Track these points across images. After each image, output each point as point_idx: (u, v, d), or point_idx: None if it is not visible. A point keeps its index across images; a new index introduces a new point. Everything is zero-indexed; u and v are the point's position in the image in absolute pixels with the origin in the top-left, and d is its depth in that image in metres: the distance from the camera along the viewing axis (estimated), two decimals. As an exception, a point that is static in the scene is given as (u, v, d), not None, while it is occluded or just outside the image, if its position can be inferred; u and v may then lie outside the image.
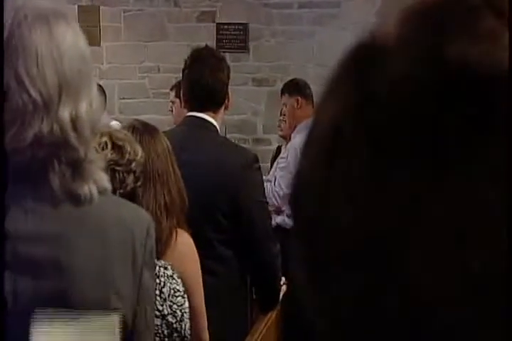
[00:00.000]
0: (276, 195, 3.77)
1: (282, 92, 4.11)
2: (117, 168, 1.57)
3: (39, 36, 1.01)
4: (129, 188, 1.59)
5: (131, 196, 1.61)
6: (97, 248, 1.07)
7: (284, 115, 4.17)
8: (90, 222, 1.07)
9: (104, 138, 1.57)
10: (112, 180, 1.57)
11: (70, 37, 1.05)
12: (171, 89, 3.91)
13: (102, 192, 1.07)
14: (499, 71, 0.32)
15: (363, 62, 0.36)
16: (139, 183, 1.62)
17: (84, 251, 1.06)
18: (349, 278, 0.34)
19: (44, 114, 1.00)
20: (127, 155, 1.58)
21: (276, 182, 3.76)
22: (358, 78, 0.36)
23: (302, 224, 0.38)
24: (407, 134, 0.33)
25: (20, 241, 1.01)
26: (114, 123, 2.97)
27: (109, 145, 1.57)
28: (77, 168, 1.03)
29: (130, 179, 1.59)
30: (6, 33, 0.99)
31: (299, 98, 3.99)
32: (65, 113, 1.01)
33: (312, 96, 4.03)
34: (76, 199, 1.04)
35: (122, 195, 1.58)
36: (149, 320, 1.19)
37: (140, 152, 1.61)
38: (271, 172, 4.02)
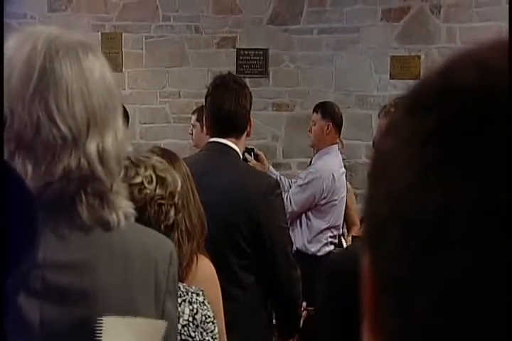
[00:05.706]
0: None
1: (315, 111, 3.99)
2: (162, 202, 1.59)
3: (69, 71, 1.03)
4: (171, 220, 1.61)
5: (172, 227, 1.63)
6: (120, 275, 1.08)
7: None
8: (114, 249, 1.08)
9: (149, 172, 1.58)
10: (158, 213, 1.58)
11: (98, 70, 1.06)
12: (193, 113, 3.94)
13: (128, 217, 1.09)
14: None
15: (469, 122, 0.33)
16: (180, 215, 1.64)
17: (109, 278, 1.06)
18: None
19: (72, 148, 1.01)
20: (170, 188, 1.60)
21: (287, 198, 3.67)
22: (466, 149, 0.33)
23: None
24: None
25: (49, 269, 1.02)
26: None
27: (155, 179, 1.58)
28: (104, 198, 1.05)
29: (172, 211, 1.61)
30: (39, 68, 1.02)
31: (330, 124, 3.90)
32: (91, 146, 1.03)
33: (342, 123, 3.96)
34: (105, 226, 1.06)
35: (166, 227, 1.60)
36: None
37: (179, 182, 1.63)
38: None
